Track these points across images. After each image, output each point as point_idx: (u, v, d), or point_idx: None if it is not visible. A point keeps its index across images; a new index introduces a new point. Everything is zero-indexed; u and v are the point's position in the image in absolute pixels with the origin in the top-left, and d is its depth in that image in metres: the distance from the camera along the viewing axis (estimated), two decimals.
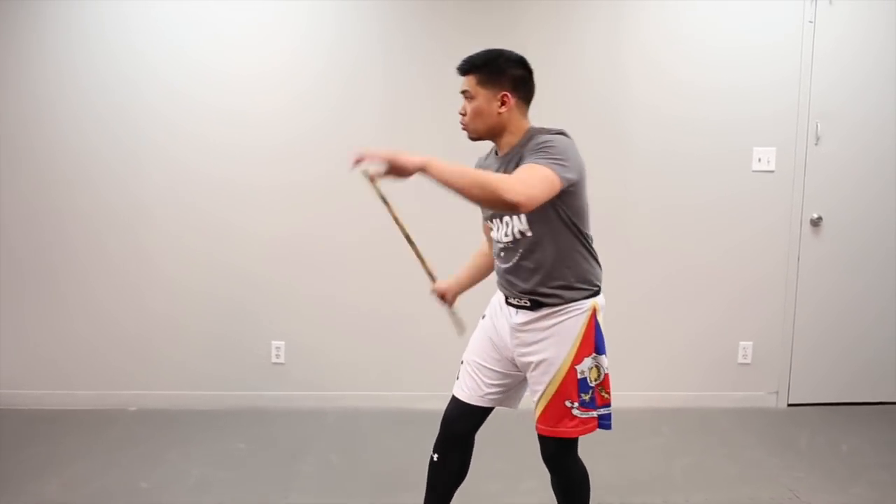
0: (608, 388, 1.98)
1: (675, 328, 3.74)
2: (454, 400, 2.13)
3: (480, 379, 2.08)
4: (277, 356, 3.67)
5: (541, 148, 1.80)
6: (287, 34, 3.53)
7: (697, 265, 3.70)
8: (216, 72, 3.52)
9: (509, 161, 1.91)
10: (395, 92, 3.58)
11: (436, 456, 2.14)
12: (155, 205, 3.58)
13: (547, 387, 1.94)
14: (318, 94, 3.56)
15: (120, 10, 3.47)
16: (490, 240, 2.13)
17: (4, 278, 3.59)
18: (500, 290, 2.08)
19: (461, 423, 2.12)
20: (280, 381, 3.68)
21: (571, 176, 1.81)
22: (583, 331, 1.94)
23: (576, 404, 1.93)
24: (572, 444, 2.00)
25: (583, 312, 1.94)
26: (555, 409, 1.94)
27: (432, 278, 2.17)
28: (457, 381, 2.14)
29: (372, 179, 1.76)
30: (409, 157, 1.67)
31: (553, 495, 2.11)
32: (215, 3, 3.49)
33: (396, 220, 1.98)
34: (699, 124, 3.63)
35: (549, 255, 1.91)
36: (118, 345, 3.64)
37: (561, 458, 2.01)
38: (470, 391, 2.09)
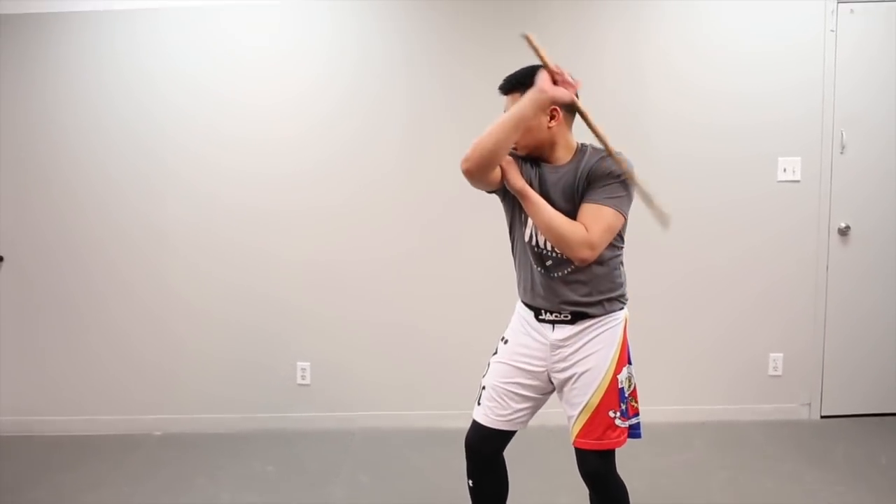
0: (637, 397, 2.01)
1: (704, 341, 3.69)
2: (476, 426, 2.09)
3: (507, 403, 2.04)
4: (303, 377, 3.65)
5: (610, 182, 1.84)
6: (309, 60, 3.54)
7: (725, 276, 3.65)
8: (235, 101, 3.54)
9: (576, 174, 1.87)
10: (418, 114, 3.56)
11: (471, 482, 2.12)
12: (174, 231, 3.59)
13: (590, 398, 1.93)
14: (341, 119, 3.56)
15: (134, 39, 3.50)
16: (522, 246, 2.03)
17: (25, 307, 3.60)
18: (533, 303, 2.01)
19: (486, 447, 2.09)
20: (306, 403, 3.65)
21: (629, 207, 1.90)
22: (620, 341, 1.97)
23: (618, 414, 1.93)
24: (612, 456, 1.99)
25: (619, 323, 1.99)
26: (599, 420, 1.93)
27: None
28: (477, 407, 2.10)
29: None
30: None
31: None
32: (235, 30, 3.51)
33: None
34: (722, 131, 3.59)
35: (600, 267, 1.92)
36: (141, 370, 3.63)
37: (602, 471, 1.98)
38: (495, 415, 2.05)
